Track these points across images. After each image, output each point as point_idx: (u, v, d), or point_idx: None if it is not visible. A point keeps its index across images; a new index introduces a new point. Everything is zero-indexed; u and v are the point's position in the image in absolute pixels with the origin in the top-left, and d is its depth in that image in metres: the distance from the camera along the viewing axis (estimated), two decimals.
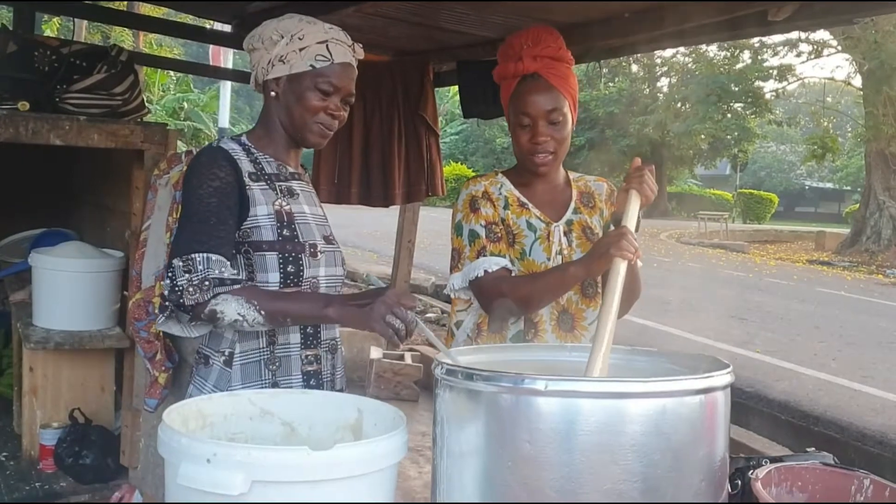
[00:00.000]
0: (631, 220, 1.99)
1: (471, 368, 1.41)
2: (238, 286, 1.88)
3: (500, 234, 2.27)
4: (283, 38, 2.04)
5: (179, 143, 3.61)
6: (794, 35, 24.13)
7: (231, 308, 1.85)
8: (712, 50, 29.30)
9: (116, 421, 3.69)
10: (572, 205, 2.36)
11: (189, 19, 6.15)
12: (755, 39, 25.30)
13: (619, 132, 32.03)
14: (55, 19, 15.77)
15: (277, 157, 2.13)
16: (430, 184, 5.12)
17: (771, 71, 27.15)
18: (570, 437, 1.27)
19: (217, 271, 1.86)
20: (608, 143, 32.29)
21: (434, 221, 15.48)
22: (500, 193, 2.32)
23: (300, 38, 2.03)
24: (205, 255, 1.88)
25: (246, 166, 2.05)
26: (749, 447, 4.81)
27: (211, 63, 14.11)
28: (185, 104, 24.39)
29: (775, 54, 27.06)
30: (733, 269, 17.67)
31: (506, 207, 2.30)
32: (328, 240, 2.15)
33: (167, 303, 1.90)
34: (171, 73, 22.77)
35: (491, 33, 4.32)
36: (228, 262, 1.90)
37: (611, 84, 33.63)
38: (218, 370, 2.05)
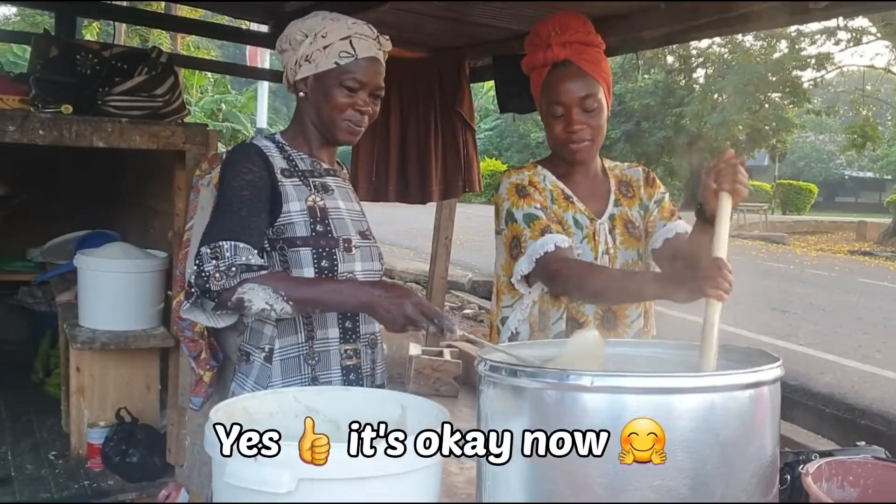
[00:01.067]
0: (723, 239, 1.77)
1: (515, 364, 1.40)
2: (265, 272, 1.87)
3: (557, 219, 2.20)
4: (307, 37, 2.05)
5: (219, 143, 3.64)
6: (832, 23, 23.74)
7: (259, 297, 1.83)
8: (748, 40, 28.94)
9: (162, 419, 3.73)
10: (612, 196, 2.31)
11: (226, 20, 6.20)
12: (792, 28, 24.95)
13: (655, 124, 31.74)
14: (95, 24, 15.98)
15: (312, 154, 2.14)
16: (467, 180, 5.12)
17: (809, 60, 26.72)
18: (618, 434, 1.26)
19: (244, 258, 1.86)
20: (644, 136, 32.03)
21: (469, 218, 15.47)
22: (545, 184, 2.26)
23: (323, 37, 2.03)
24: (232, 242, 1.88)
25: (278, 163, 2.06)
26: (794, 441, 4.75)
27: (248, 64, 14.21)
28: (223, 105, 24.58)
29: (813, 43, 26.63)
30: (774, 261, 17.45)
31: (553, 201, 2.24)
32: (364, 235, 2.15)
33: (192, 289, 1.89)
34: (209, 74, 22.95)
35: (525, 27, 4.30)
36: (256, 251, 1.90)
37: (646, 76, 33.33)
38: (259, 366, 2.06)
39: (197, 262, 1.89)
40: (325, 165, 2.16)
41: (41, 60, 3.59)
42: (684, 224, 2.29)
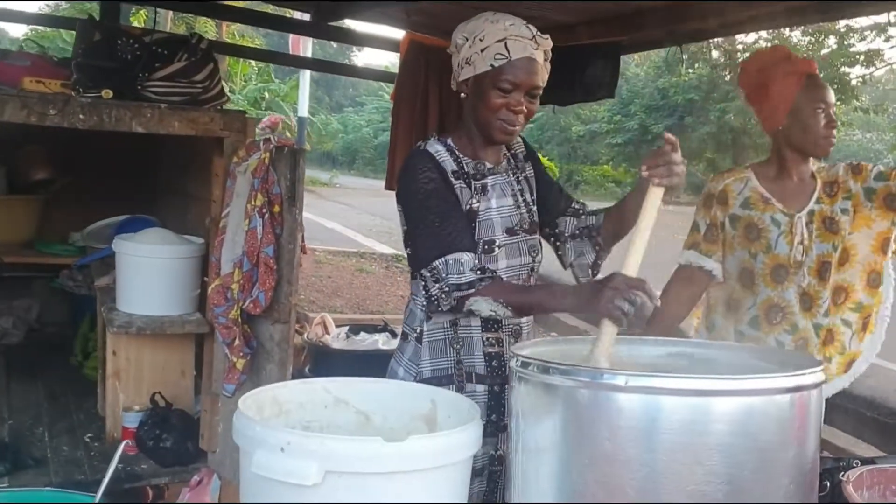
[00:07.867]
0: (644, 232, 1.69)
1: (546, 361, 1.37)
2: (483, 285, 1.95)
3: (715, 237, 2.57)
4: (467, 40, 2.12)
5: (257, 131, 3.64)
6: (882, 19, 23.27)
7: (484, 306, 1.95)
8: (796, 35, 28.48)
9: (196, 405, 3.74)
10: (815, 195, 2.54)
11: (270, 9, 6.22)
12: (841, 24, 24.49)
13: (698, 119, 31.37)
14: (142, 11, 16.17)
15: (476, 156, 2.20)
16: None
17: (858, 56, 26.24)
18: (652, 436, 1.23)
19: (455, 275, 1.95)
20: (687, 131, 31.66)
21: None
22: (741, 191, 2.56)
23: (481, 40, 2.09)
24: (443, 259, 1.98)
25: (450, 166, 2.14)
26: (833, 445, 4.67)
27: (290, 52, 14.29)
28: (266, 94, 24.75)
29: (862, 39, 26.11)
30: None
31: (744, 206, 2.54)
32: (512, 231, 2.20)
33: (432, 306, 2.03)
34: (253, 63, 23.13)
35: (569, 18, 4.26)
36: (466, 255, 1.99)
37: (690, 70, 32.97)
38: (413, 345, 2.19)
39: (423, 286, 2.03)
40: (489, 165, 2.22)
41: (84, 45, 3.61)
42: None
